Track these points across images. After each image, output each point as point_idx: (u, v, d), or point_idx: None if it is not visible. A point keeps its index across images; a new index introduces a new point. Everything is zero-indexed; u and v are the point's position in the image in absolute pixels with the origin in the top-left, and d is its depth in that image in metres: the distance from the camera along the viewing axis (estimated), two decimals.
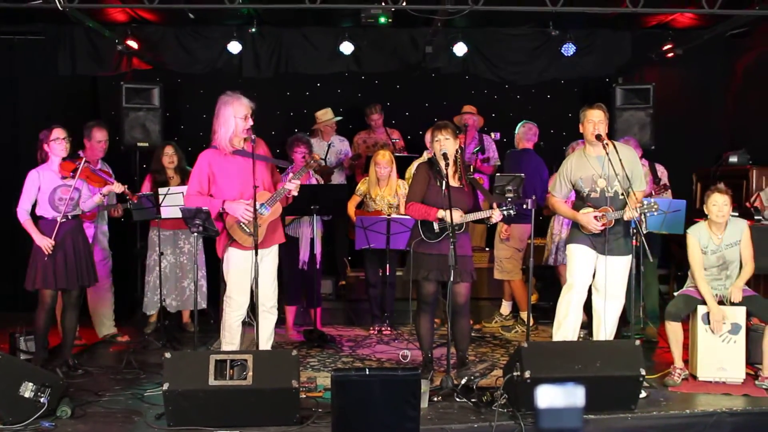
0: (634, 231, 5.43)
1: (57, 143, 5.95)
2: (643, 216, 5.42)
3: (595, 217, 5.58)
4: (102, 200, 6.28)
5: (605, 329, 5.68)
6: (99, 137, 7.02)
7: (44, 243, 5.84)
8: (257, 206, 5.22)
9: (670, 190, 7.16)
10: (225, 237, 5.43)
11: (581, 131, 5.75)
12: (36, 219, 5.94)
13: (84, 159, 6.09)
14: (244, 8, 7.61)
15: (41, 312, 5.97)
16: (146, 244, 7.44)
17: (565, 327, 5.75)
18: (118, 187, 6.18)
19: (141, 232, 7.53)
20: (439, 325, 6.76)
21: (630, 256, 5.67)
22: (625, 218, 5.52)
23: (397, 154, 7.92)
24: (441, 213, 5.52)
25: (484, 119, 8.80)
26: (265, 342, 5.52)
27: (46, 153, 5.99)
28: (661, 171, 7.27)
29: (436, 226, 5.61)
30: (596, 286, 5.74)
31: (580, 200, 5.79)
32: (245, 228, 5.29)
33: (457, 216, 5.48)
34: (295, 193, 5.46)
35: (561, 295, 5.87)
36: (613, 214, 5.57)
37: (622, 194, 5.57)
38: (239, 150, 5.35)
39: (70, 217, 6.00)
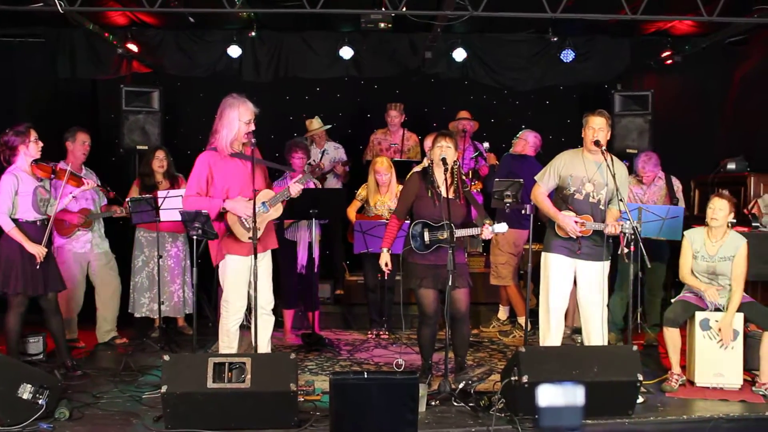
0: (632, 237, 5.44)
1: (36, 144, 5.89)
2: (624, 235, 5.43)
3: (576, 221, 5.59)
4: (71, 200, 6.23)
5: (602, 334, 5.68)
6: (83, 138, 6.99)
7: (37, 251, 5.76)
8: (258, 205, 5.25)
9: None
10: (220, 243, 5.42)
11: (582, 135, 5.73)
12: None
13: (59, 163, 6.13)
14: (244, 12, 7.63)
15: (13, 316, 5.87)
16: (133, 246, 7.41)
17: (549, 341, 5.78)
18: (91, 183, 6.20)
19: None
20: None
21: (607, 262, 5.67)
22: (606, 232, 5.53)
23: (396, 159, 7.92)
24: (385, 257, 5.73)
25: (483, 125, 8.82)
26: (266, 345, 5.52)
27: (15, 154, 5.86)
28: (677, 186, 7.23)
29: (426, 237, 5.59)
30: (580, 293, 5.74)
31: (562, 200, 5.72)
32: (245, 223, 5.30)
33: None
34: (294, 196, 5.46)
35: (540, 305, 5.86)
36: (593, 224, 5.56)
37: (603, 206, 5.59)
38: (238, 153, 5.36)
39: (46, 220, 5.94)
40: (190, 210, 5.24)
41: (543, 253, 5.85)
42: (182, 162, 7.49)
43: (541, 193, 5.78)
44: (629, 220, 5.42)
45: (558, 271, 5.72)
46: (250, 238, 5.20)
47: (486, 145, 8.24)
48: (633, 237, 5.43)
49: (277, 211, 5.46)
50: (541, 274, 5.86)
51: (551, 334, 5.75)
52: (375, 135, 8.82)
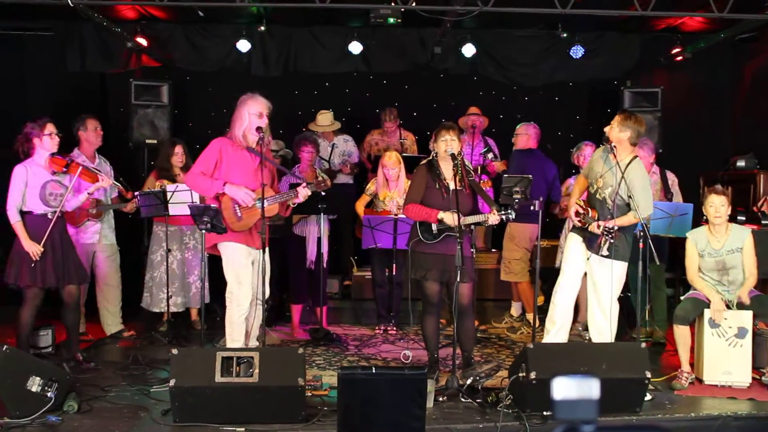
0: (641, 234, 5.43)
1: (51, 138, 5.90)
2: (604, 239, 5.42)
3: (576, 211, 5.64)
4: (87, 197, 6.21)
5: (608, 333, 5.67)
6: (94, 124, 7.04)
7: (33, 249, 5.75)
8: (256, 200, 5.38)
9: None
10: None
11: None
12: (22, 215, 5.82)
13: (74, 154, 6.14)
14: (254, 7, 7.62)
15: (27, 309, 5.89)
16: (151, 240, 7.44)
17: (551, 333, 5.79)
18: (106, 182, 6.23)
19: (148, 228, 7.54)
20: (444, 326, 6.77)
21: (617, 262, 5.59)
22: (589, 230, 5.55)
23: (405, 155, 7.91)
24: (441, 214, 5.52)
25: (492, 120, 8.80)
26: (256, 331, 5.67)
27: (32, 147, 5.90)
28: (672, 179, 7.22)
29: (434, 227, 5.60)
30: (588, 289, 5.75)
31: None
32: (238, 211, 5.39)
33: (455, 218, 5.49)
34: (301, 200, 5.63)
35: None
36: (591, 220, 5.57)
37: (610, 205, 5.58)
38: (251, 148, 5.46)
39: (60, 214, 5.92)
40: (199, 204, 5.31)
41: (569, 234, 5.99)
42: (191, 156, 7.51)
43: (577, 179, 5.98)
44: (642, 226, 5.41)
45: (572, 248, 5.79)
46: (240, 218, 5.23)
47: (491, 155, 8.21)
48: (642, 234, 5.42)
49: (271, 210, 5.51)
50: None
51: (555, 312, 5.79)
52: (372, 136, 8.82)
